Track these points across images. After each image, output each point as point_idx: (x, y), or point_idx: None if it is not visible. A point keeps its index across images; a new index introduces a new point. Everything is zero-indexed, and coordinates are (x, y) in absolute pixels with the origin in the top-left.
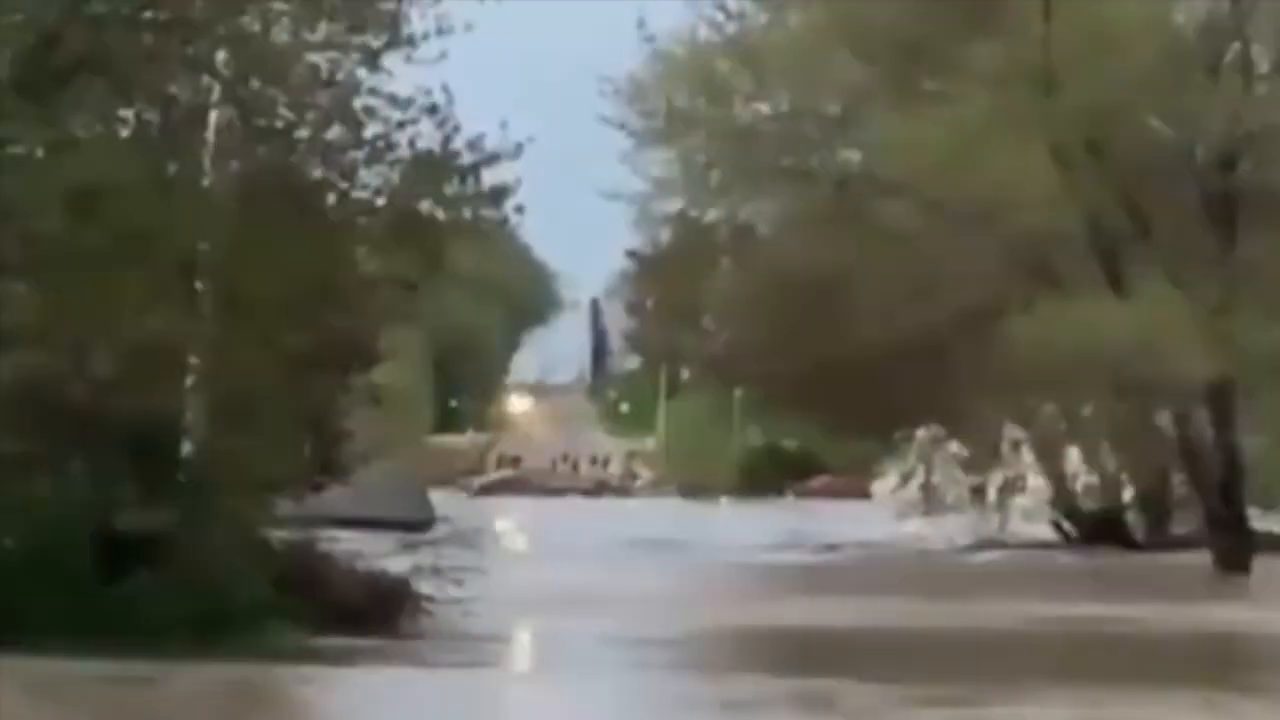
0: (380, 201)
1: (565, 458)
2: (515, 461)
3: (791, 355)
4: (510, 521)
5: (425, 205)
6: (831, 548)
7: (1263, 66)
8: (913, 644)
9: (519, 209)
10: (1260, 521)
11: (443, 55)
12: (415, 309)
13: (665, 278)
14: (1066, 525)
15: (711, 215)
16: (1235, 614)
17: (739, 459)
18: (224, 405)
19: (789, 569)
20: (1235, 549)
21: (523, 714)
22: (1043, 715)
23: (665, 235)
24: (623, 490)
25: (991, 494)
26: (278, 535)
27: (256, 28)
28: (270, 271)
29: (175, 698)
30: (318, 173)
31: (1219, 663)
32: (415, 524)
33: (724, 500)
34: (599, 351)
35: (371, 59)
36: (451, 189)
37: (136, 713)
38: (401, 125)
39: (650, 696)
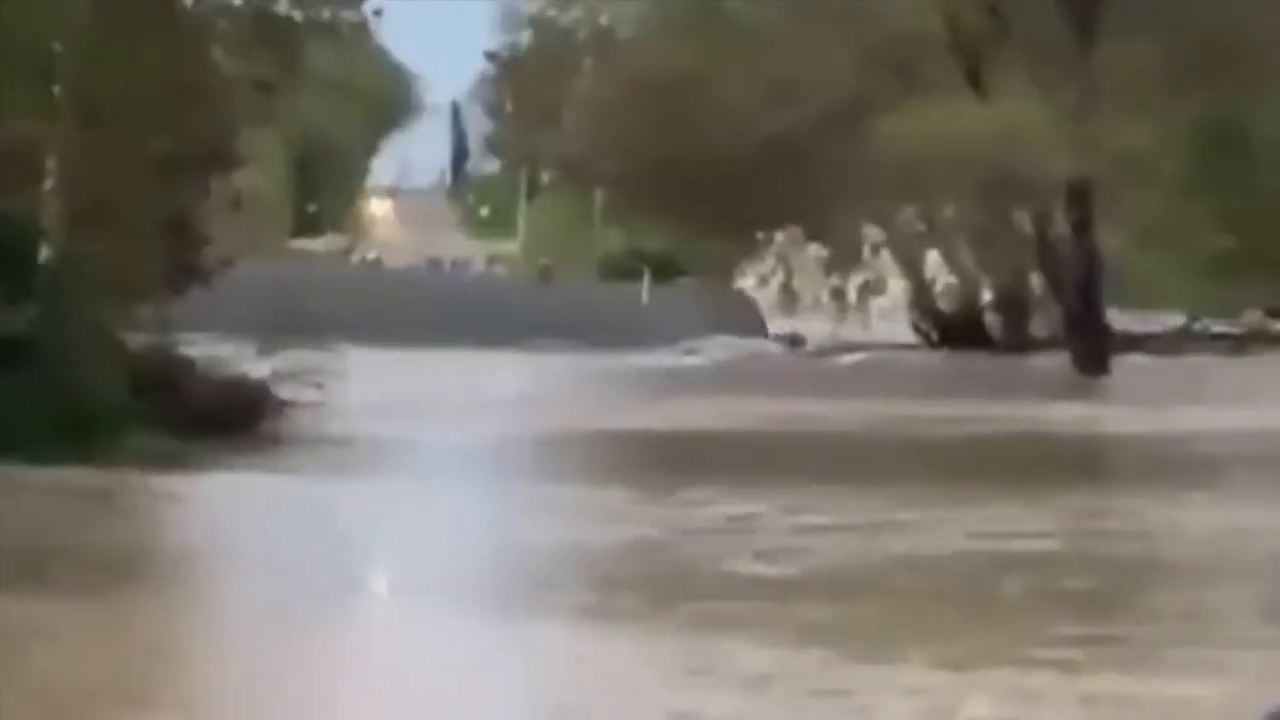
0: (238, 2)
1: (434, 262)
2: (375, 264)
3: (651, 157)
4: None
5: (283, 6)
6: (692, 351)
7: None
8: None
9: (378, 11)
10: (1120, 321)
11: None
12: (273, 111)
13: (525, 80)
14: (926, 327)
15: (572, 17)
16: (1084, 412)
17: (599, 262)
18: (82, 209)
19: (649, 372)
20: (1094, 350)
21: (372, 519)
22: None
23: (526, 37)
24: None
25: (851, 296)
26: (137, 340)
27: None
28: (128, 73)
29: None
30: None
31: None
32: None
33: None
34: (459, 155)
35: None
36: None
37: None
38: None
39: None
